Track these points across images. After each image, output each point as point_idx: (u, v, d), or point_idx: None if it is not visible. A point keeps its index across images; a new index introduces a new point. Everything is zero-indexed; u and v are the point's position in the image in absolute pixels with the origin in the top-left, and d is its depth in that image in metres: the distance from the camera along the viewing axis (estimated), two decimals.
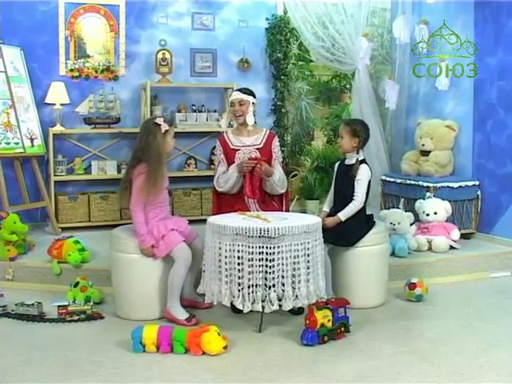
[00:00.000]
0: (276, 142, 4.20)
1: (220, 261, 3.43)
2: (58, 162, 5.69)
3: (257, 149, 4.11)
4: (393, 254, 4.64)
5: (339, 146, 4.09)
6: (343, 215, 3.93)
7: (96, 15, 5.91)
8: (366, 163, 4.02)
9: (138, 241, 3.69)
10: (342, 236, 3.89)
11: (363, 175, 3.96)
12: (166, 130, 3.70)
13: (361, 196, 3.94)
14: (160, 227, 3.70)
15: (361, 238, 3.93)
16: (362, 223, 4.00)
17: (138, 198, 3.68)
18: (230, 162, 4.11)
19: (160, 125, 3.69)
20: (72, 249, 4.42)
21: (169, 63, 5.96)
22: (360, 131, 3.99)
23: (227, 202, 4.10)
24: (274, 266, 3.35)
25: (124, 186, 3.77)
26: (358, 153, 4.02)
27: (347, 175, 3.99)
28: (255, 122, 4.14)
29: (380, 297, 4.07)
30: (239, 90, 4.18)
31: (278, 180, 4.06)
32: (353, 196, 3.95)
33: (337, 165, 4.18)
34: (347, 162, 4.07)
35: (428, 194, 5.13)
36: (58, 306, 3.77)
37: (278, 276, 3.35)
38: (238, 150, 4.10)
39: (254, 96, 4.14)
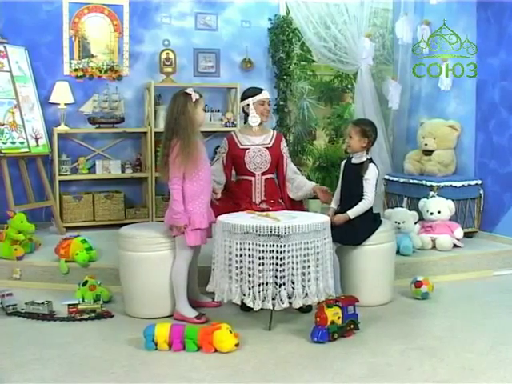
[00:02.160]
0: (284, 143, 4.28)
1: (230, 259, 3.46)
2: (63, 161, 5.72)
3: (266, 148, 4.15)
4: (397, 252, 4.67)
5: (348, 146, 4.09)
6: (352, 213, 3.96)
7: (100, 15, 5.93)
8: (374, 162, 4.06)
9: (171, 214, 3.65)
10: (349, 235, 3.92)
11: (372, 174, 3.99)
12: (197, 99, 3.66)
13: (370, 195, 3.98)
14: (203, 220, 3.67)
15: (368, 237, 3.97)
16: (370, 222, 4.04)
17: (175, 172, 3.59)
18: (238, 161, 4.15)
19: (190, 94, 3.65)
20: (79, 248, 4.45)
21: (173, 63, 5.98)
22: (369, 131, 4.02)
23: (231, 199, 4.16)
24: (284, 264, 3.38)
25: (164, 161, 3.68)
26: (367, 153, 4.05)
27: (355, 174, 4.02)
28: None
29: (387, 295, 4.11)
30: (262, 89, 4.23)
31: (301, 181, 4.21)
32: (361, 195, 3.98)
33: (343, 163, 4.19)
34: (354, 160, 4.09)
35: (432, 193, 5.18)
36: (68, 305, 3.79)
37: (288, 274, 3.39)
38: (248, 149, 4.14)
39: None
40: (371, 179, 3.99)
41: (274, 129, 5.00)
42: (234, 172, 4.26)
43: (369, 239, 3.98)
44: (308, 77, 7.24)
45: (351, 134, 4.03)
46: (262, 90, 4.21)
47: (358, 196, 3.99)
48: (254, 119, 4.11)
